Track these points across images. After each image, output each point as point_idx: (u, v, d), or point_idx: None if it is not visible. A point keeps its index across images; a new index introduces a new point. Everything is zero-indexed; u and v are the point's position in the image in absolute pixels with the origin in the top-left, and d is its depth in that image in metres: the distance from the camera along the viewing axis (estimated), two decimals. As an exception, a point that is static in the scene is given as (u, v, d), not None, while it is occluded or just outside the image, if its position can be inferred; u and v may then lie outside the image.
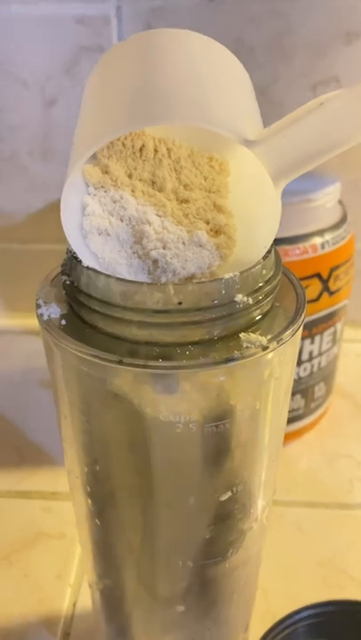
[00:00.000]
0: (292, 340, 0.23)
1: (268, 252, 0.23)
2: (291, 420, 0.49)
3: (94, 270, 0.21)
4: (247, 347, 0.21)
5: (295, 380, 0.47)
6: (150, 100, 0.20)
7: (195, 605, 0.28)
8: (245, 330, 0.22)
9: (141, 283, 0.21)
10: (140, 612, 0.29)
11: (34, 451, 0.51)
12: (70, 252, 0.23)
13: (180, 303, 0.21)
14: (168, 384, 0.21)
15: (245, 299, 0.22)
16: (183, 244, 0.22)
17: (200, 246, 0.22)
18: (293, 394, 0.47)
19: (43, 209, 0.62)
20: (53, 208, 0.63)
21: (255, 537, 0.28)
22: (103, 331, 0.22)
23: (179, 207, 0.23)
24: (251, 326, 0.22)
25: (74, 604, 0.40)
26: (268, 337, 0.22)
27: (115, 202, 0.23)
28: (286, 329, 0.22)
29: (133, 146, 0.23)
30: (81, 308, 0.22)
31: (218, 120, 0.20)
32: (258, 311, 0.23)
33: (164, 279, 0.22)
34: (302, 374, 0.47)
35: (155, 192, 0.23)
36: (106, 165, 0.23)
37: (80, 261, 0.22)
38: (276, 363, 0.23)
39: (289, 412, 0.48)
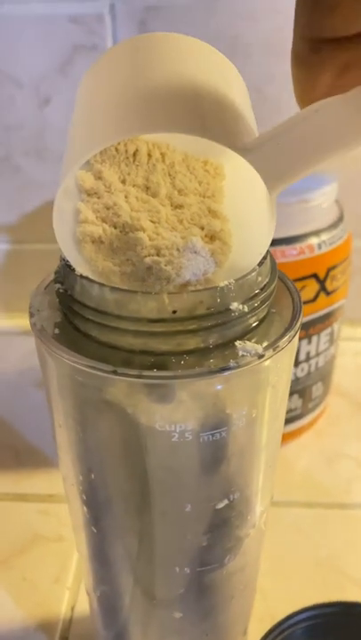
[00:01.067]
0: (289, 347, 0.23)
1: (264, 258, 0.23)
2: (288, 421, 0.49)
3: (88, 279, 0.21)
4: (243, 355, 0.21)
5: (293, 381, 0.47)
6: (143, 108, 0.20)
7: (192, 611, 0.28)
8: (241, 337, 0.22)
9: (136, 291, 0.21)
10: (137, 617, 0.29)
11: (31, 453, 0.51)
12: (64, 259, 0.22)
13: (174, 312, 0.21)
14: (163, 394, 0.21)
15: (241, 306, 0.21)
16: (177, 250, 0.22)
17: (195, 252, 0.22)
18: (291, 394, 0.47)
19: (38, 208, 0.61)
20: (48, 207, 0.63)
21: (253, 543, 0.27)
22: (97, 339, 0.22)
23: (173, 213, 0.23)
24: (247, 333, 0.22)
25: (72, 608, 0.40)
26: (265, 344, 0.22)
27: (108, 208, 0.22)
28: (283, 336, 0.22)
29: (127, 151, 0.23)
30: (75, 316, 0.22)
31: (210, 128, 0.20)
32: (254, 318, 0.22)
33: (157, 287, 0.21)
34: (300, 375, 0.47)
35: (149, 198, 0.23)
36: (99, 171, 0.23)
37: (73, 269, 0.22)
38: (272, 370, 0.22)
39: (287, 412, 0.48)
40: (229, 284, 0.21)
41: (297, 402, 0.48)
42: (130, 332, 0.21)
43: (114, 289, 0.21)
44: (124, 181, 0.23)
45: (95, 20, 0.54)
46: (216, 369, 0.20)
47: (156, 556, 0.26)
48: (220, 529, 0.25)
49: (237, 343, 0.21)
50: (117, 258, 0.22)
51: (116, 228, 0.22)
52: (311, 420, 0.51)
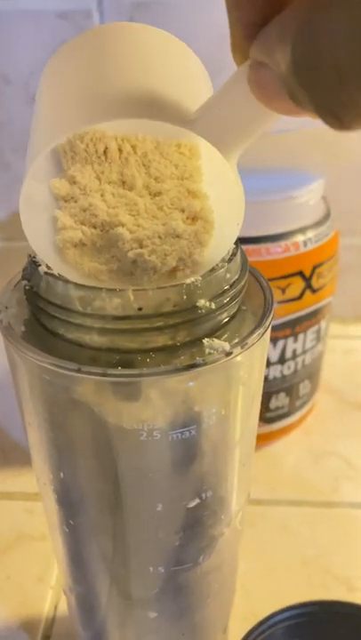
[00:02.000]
0: (259, 344, 0.22)
1: (233, 254, 0.22)
2: (276, 419, 0.48)
3: (53, 275, 0.21)
4: (210, 353, 0.21)
5: (279, 378, 0.46)
6: (95, 99, 0.20)
7: (168, 610, 0.28)
8: (210, 335, 0.22)
9: (100, 288, 0.20)
10: (114, 617, 0.29)
11: (17, 451, 0.51)
12: (30, 256, 0.22)
13: (140, 309, 0.20)
14: (129, 392, 0.21)
15: (208, 304, 0.21)
16: (159, 237, 0.22)
17: (177, 237, 0.22)
18: (278, 392, 0.47)
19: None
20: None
21: (228, 542, 0.27)
22: (64, 337, 0.21)
23: (152, 201, 0.23)
24: (216, 331, 0.22)
25: (55, 607, 0.39)
26: (234, 341, 0.22)
27: (84, 210, 0.22)
28: (252, 333, 0.22)
29: (97, 151, 0.23)
30: (41, 313, 0.22)
31: (156, 111, 0.20)
32: (223, 315, 0.22)
33: (145, 278, 0.21)
34: (286, 372, 0.46)
35: (125, 192, 0.22)
36: (72, 176, 0.23)
37: (39, 265, 0.21)
38: (242, 367, 0.22)
39: (273, 410, 0.48)
40: (196, 280, 0.21)
41: (284, 399, 0.48)
42: (95, 330, 0.21)
43: (78, 285, 0.21)
44: (99, 180, 0.23)
45: (83, 16, 0.54)
46: (182, 367, 0.20)
47: (129, 556, 0.26)
48: (193, 528, 0.25)
49: (205, 341, 0.21)
50: (102, 257, 0.22)
51: (95, 228, 0.22)
52: (299, 418, 0.51)
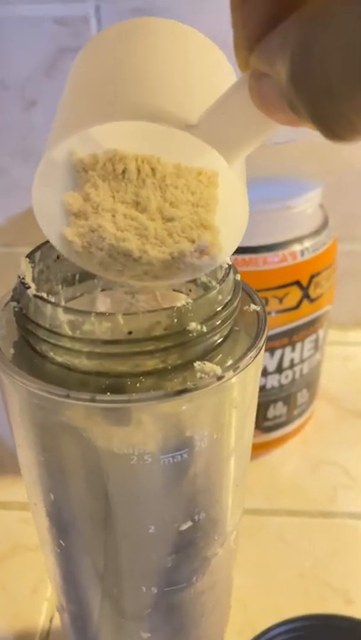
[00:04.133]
0: (253, 365, 0.22)
1: (226, 274, 0.22)
2: (273, 428, 0.48)
3: (42, 298, 0.21)
4: (201, 377, 0.21)
5: (277, 388, 0.46)
6: (96, 99, 0.20)
7: (161, 630, 0.28)
8: (202, 357, 0.21)
9: (90, 312, 0.20)
10: (107, 636, 0.29)
11: (13, 460, 0.50)
12: (20, 277, 0.22)
13: (130, 333, 0.20)
14: (119, 417, 0.20)
15: (200, 326, 0.21)
16: (165, 267, 0.22)
17: (179, 269, 0.22)
18: (275, 401, 0.47)
19: (24, 211, 0.61)
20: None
21: (222, 562, 0.27)
22: (53, 360, 0.21)
23: (163, 226, 0.23)
24: (208, 353, 0.22)
25: (50, 620, 0.39)
26: (228, 363, 0.21)
27: (93, 231, 0.22)
28: (244, 356, 0.22)
29: (115, 170, 0.23)
30: (30, 336, 0.21)
31: (159, 115, 0.19)
32: (216, 337, 0.22)
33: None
34: (284, 382, 0.46)
35: (137, 214, 0.23)
36: (87, 193, 0.22)
37: (28, 287, 0.21)
38: (235, 390, 0.22)
39: (271, 419, 0.47)
40: (187, 304, 0.21)
41: (282, 409, 0.47)
42: (84, 354, 0.20)
43: (67, 309, 0.20)
44: (113, 199, 0.23)
45: (81, 21, 0.54)
46: (172, 392, 0.20)
47: (121, 576, 0.25)
48: (186, 550, 0.25)
49: (196, 364, 0.21)
50: (110, 269, 0.22)
51: (102, 250, 0.22)
52: (297, 427, 0.50)
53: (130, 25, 0.23)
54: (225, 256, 0.23)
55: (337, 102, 0.15)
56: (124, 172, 0.23)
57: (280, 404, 0.47)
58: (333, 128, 0.16)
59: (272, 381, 0.46)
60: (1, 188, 0.60)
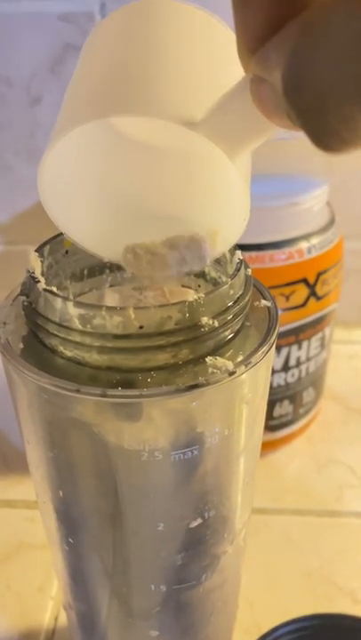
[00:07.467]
0: (264, 361, 0.22)
1: (237, 269, 0.22)
2: (279, 427, 0.48)
3: (52, 292, 0.20)
4: (213, 372, 0.20)
5: (283, 386, 0.46)
6: (101, 91, 0.20)
7: (170, 629, 0.27)
8: (213, 352, 0.21)
9: (101, 306, 0.20)
10: (115, 635, 0.28)
11: (19, 458, 0.50)
12: (29, 271, 0.22)
13: (141, 327, 0.20)
14: (130, 412, 0.20)
15: (211, 321, 0.21)
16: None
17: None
18: (281, 400, 0.46)
19: (29, 209, 0.60)
20: (40, 208, 0.62)
21: (231, 559, 0.27)
22: (63, 355, 0.21)
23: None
24: (219, 348, 0.21)
25: (55, 619, 0.39)
26: (238, 359, 0.21)
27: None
28: (256, 351, 0.21)
29: None
30: (40, 330, 0.21)
31: (163, 112, 0.19)
32: (227, 332, 0.22)
33: None
34: (290, 380, 0.46)
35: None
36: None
37: (38, 282, 0.21)
38: (246, 386, 0.22)
39: (277, 418, 0.47)
40: (199, 298, 0.20)
41: (288, 407, 0.47)
42: (95, 348, 0.20)
43: (78, 303, 0.20)
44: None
45: (86, 18, 0.53)
46: (183, 387, 0.20)
47: (130, 574, 0.25)
48: (196, 547, 0.24)
49: (208, 359, 0.21)
50: None
51: None
52: (303, 426, 0.50)
53: (137, 9, 0.23)
54: (221, 250, 0.23)
55: (326, 116, 0.15)
56: None
57: (286, 402, 0.47)
58: (323, 140, 0.16)
59: (278, 380, 0.45)
60: (6, 185, 0.60)
